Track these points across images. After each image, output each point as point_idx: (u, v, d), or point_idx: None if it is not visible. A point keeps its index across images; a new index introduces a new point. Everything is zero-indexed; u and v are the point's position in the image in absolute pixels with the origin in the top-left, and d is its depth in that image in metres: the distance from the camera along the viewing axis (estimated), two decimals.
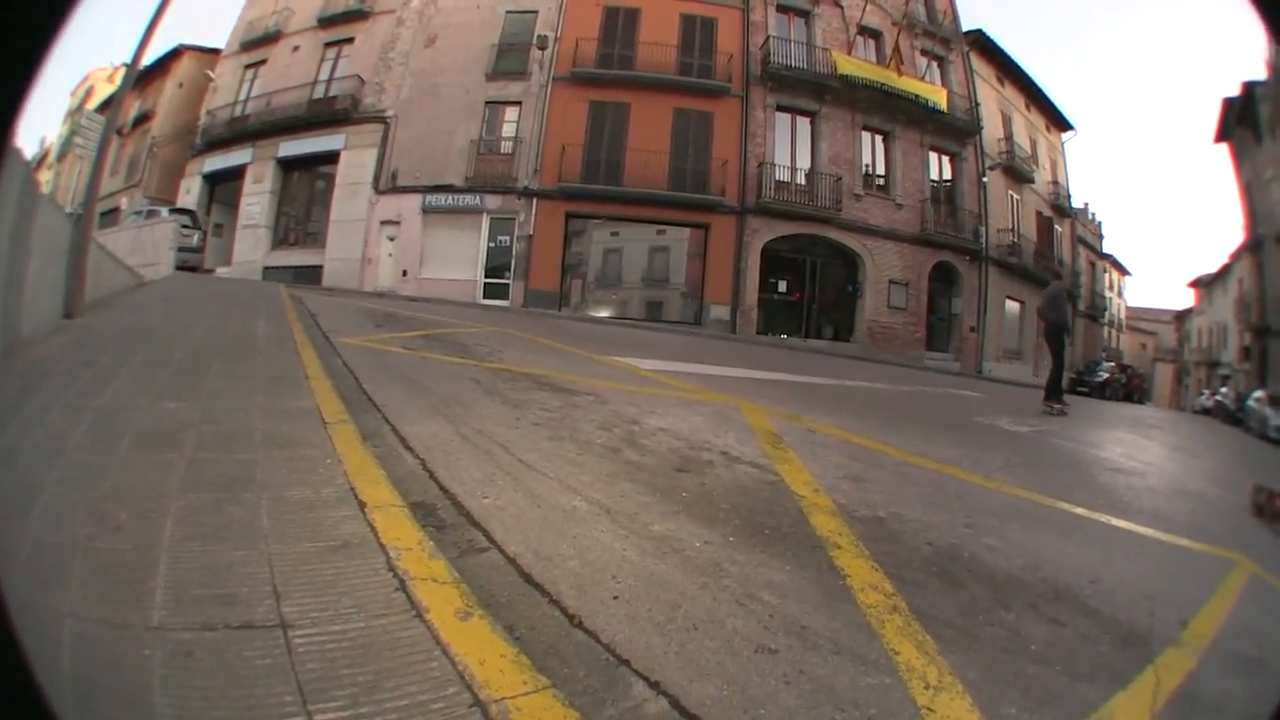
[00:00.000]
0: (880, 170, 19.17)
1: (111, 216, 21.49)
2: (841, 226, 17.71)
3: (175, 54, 23.74)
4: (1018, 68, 23.48)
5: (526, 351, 6.35)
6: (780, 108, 18.18)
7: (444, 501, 2.09)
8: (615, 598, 1.60)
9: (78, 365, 3.64)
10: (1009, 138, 22.49)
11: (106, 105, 24.23)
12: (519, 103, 17.72)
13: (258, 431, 2.59)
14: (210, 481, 2.04)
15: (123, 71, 32.89)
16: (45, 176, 26.52)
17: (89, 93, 30.57)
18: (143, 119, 23.97)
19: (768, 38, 18.29)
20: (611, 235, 17.52)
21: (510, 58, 18.13)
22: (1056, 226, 24.20)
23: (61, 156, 28.67)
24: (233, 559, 1.56)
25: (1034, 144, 23.96)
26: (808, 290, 17.93)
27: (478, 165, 17.70)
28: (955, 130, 20.08)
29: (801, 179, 17.98)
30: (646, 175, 16.66)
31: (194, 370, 3.78)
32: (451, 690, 1.15)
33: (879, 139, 19.15)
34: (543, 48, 17.90)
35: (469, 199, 17.62)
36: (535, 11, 18.57)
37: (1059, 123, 26.20)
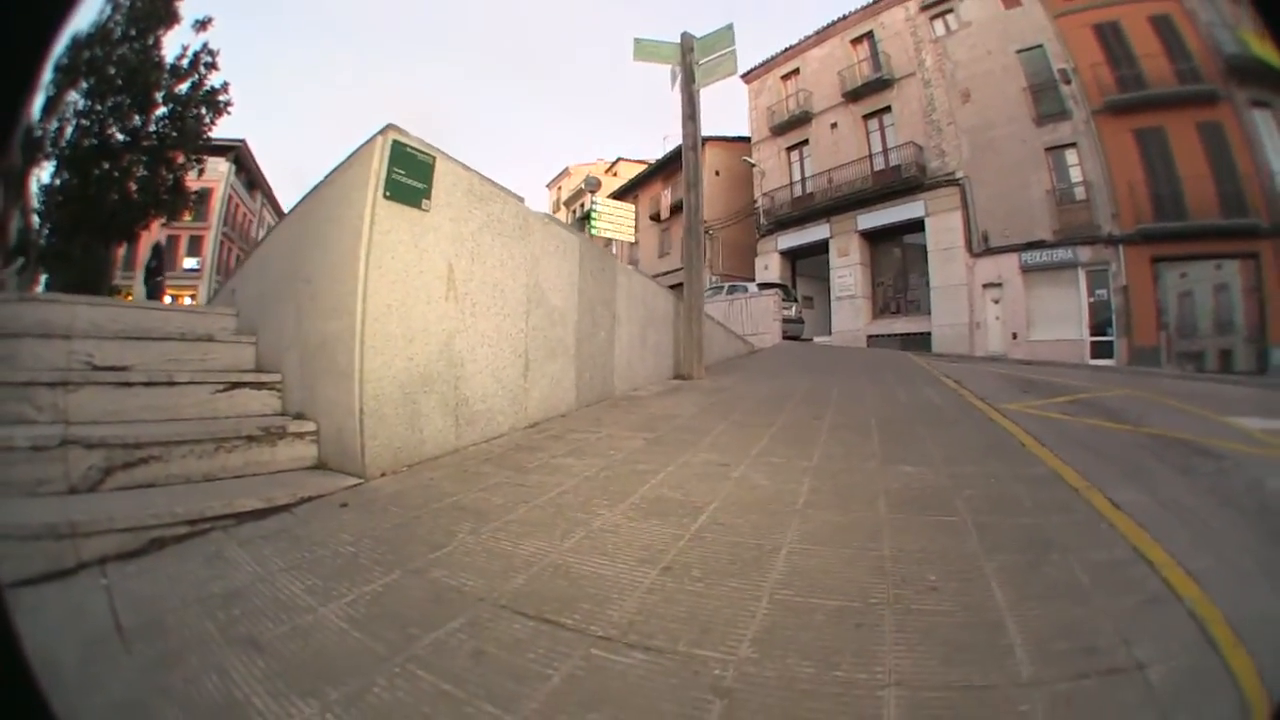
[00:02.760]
0: None
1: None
2: None
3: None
4: None
5: (1166, 415, 6.14)
6: (1254, 103, 15.45)
7: (1170, 564, 2.18)
8: None
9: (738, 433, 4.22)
10: None
11: (621, 194, 30.98)
12: (1073, 144, 17.74)
13: (1025, 498, 2.84)
14: (1010, 544, 2.21)
15: (620, 164, 41.64)
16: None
17: (596, 185, 40.14)
18: (681, 206, 31.17)
19: (1208, 25, 15.82)
20: (1180, 277, 16.49)
21: (1046, 99, 18.27)
22: None
23: None
24: (1075, 615, 1.71)
25: None
26: None
27: (1060, 216, 17.45)
28: None
29: None
30: (1201, 203, 15.70)
31: (900, 436, 4.15)
32: None
33: None
34: (1068, 81, 17.84)
35: (1061, 253, 17.35)
36: (1041, 45, 18.43)
37: None
